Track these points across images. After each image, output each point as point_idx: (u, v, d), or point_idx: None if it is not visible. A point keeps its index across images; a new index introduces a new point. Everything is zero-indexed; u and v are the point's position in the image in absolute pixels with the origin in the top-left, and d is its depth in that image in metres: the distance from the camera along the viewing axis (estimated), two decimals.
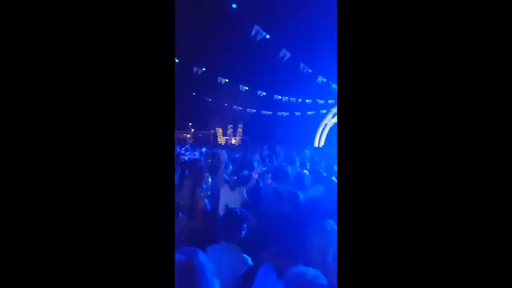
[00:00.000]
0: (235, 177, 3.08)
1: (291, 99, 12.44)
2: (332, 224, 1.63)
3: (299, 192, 2.43)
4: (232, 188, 3.02)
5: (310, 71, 7.14)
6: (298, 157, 5.45)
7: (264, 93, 11.90)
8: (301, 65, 6.75)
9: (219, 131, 24.23)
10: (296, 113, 15.04)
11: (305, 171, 3.99)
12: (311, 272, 1.11)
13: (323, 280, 1.10)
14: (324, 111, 15.41)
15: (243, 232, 1.75)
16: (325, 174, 3.21)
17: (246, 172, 3.24)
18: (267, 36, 5.25)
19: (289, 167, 3.71)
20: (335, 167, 3.67)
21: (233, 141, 23.41)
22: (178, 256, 1.03)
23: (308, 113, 14.96)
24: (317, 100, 13.07)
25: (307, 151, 8.75)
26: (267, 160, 5.37)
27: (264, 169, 3.76)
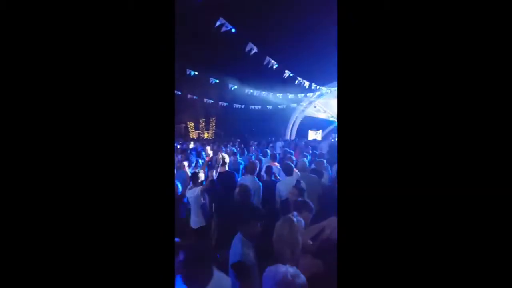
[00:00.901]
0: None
1: (263, 93, 12.49)
2: (297, 216, 1.69)
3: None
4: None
5: (276, 65, 7.21)
6: (273, 151, 5.53)
7: (236, 87, 11.80)
8: (267, 59, 6.79)
9: (191, 125, 23.56)
10: (267, 106, 15.17)
11: (275, 163, 4.08)
12: (291, 271, 1.07)
13: (302, 279, 1.07)
14: (295, 105, 15.75)
15: None
16: (293, 166, 3.31)
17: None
18: (233, 30, 5.19)
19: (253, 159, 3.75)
20: (305, 160, 3.79)
21: (206, 135, 22.93)
22: None
23: (279, 106, 15.18)
24: (287, 94, 13.27)
25: (279, 144, 8.93)
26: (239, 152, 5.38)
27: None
